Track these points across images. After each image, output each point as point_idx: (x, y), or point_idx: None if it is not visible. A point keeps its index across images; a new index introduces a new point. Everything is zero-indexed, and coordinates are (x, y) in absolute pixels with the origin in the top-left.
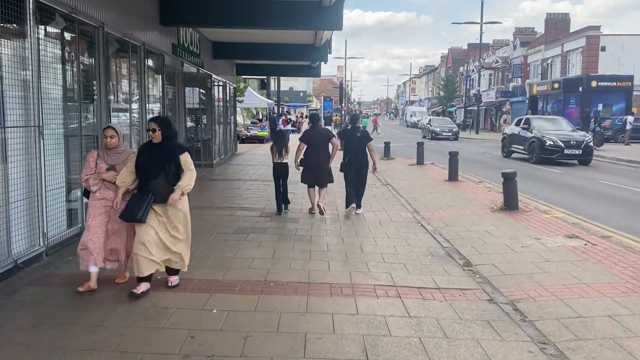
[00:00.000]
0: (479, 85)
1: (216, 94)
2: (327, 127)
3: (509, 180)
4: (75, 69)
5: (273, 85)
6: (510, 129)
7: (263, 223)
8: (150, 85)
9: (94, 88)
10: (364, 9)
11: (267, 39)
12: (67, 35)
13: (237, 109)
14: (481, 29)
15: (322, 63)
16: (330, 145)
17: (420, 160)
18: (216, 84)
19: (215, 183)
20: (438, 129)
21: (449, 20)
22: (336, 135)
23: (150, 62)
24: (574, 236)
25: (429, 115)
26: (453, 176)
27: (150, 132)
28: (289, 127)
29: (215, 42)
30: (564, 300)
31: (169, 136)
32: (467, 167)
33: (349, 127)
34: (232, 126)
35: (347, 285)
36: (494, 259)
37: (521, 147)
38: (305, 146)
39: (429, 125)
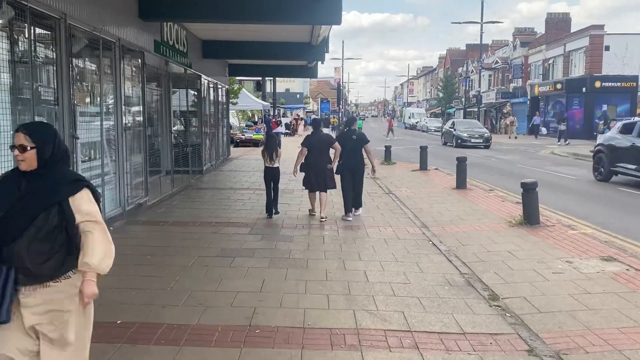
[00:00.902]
0: (479, 86)
1: (206, 95)
2: (325, 128)
3: (529, 192)
4: (27, 68)
5: (269, 87)
6: (612, 138)
7: (252, 243)
8: (127, 87)
9: (55, 90)
10: (360, 11)
11: (261, 37)
12: (17, 27)
13: (232, 111)
14: (481, 29)
15: (319, 63)
16: (332, 149)
17: (423, 166)
18: (206, 85)
19: (203, 193)
20: (465, 135)
21: (445, 21)
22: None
23: (127, 61)
24: (611, 259)
25: (428, 116)
26: (461, 184)
27: (16, 151)
28: (280, 129)
29: (204, 41)
30: (623, 352)
31: (51, 160)
32: (473, 173)
33: (345, 130)
34: (225, 129)
35: (352, 330)
36: (523, 290)
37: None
38: (307, 151)
39: (452, 130)
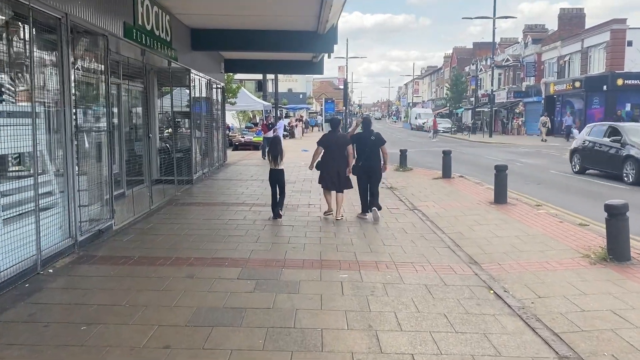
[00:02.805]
0: (492, 85)
1: (197, 94)
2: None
3: (618, 218)
4: None
5: (271, 87)
6: None
7: (241, 296)
8: (82, 79)
9: None
10: (363, 12)
11: (260, 24)
12: None
13: (233, 111)
14: (494, 24)
15: (326, 57)
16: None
17: (447, 173)
18: (197, 82)
19: (188, 210)
20: None
21: (447, 22)
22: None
23: (83, 46)
24: None
25: (438, 117)
26: (501, 197)
27: None
28: (271, 134)
29: (194, 29)
30: None
31: None
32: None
33: (362, 131)
34: (221, 132)
35: None
36: None
37: None
38: (323, 150)
39: (618, 145)
